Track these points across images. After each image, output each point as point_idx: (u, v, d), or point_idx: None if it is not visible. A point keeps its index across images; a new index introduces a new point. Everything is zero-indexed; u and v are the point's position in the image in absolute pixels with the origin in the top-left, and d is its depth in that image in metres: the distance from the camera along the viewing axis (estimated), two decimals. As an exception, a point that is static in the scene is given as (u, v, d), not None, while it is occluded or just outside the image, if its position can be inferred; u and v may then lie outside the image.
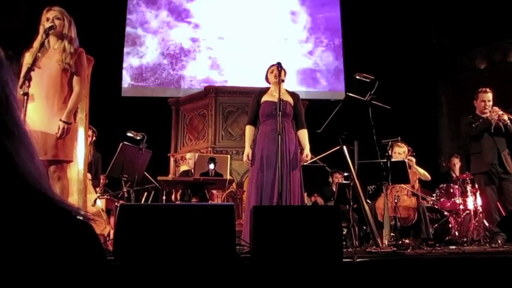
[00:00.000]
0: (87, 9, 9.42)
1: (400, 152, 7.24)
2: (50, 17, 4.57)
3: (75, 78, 4.62)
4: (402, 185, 6.99)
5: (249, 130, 6.15)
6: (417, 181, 7.40)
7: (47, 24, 4.50)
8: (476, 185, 7.35)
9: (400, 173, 6.41)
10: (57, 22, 4.57)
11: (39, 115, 4.36)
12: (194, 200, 7.71)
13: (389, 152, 6.81)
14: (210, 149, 10.10)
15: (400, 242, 6.07)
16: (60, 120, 4.37)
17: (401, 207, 6.87)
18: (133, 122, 8.38)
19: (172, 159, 10.81)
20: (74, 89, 4.61)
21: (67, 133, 4.41)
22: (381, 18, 11.78)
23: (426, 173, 7.56)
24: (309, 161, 6.85)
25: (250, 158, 5.94)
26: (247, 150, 6.00)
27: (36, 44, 4.50)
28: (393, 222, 6.56)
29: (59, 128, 4.35)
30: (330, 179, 9.23)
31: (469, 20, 11.19)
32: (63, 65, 4.52)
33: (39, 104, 4.40)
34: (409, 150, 7.40)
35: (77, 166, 5.06)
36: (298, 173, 5.98)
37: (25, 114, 4.01)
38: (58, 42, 4.62)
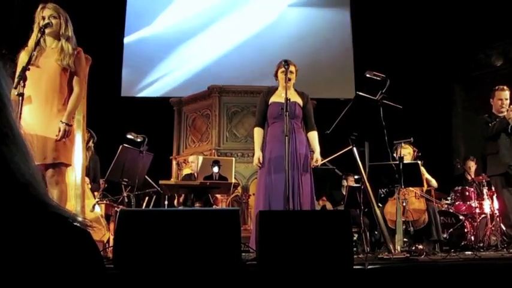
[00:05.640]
0: (83, 4, 9.44)
1: (405, 153, 7.21)
2: (45, 15, 4.56)
3: (75, 78, 4.62)
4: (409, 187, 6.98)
5: (257, 132, 6.13)
6: (425, 181, 7.38)
7: (43, 23, 4.50)
8: (493, 188, 7.32)
9: (413, 175, 6.39)
10: (53, 21, 4.56)
11: (37, 117, 4.36)
12: (198, 204, 7.72)
13: (395, 154, 6.81)
14: (214, 151, 10.10)
15: (414, 248, 6.06)
16: (61, 121, 4.37)
17: (411, 210, 6.87)
18: (134, 124, 8.38)
19: (174, 162, 10.82)
20: (74, 89, 4.61)
21: (68, 135, 4.41)
22: (393, 15, 11.76)
23: (433, 180, 7.57)
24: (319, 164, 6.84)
25: (261, 161, 5.93)
26: (258, 153, 5.98)
27: (31, 43, 4.50)
28: (404, 226, 6.55)
29: (59, 130, 4.34)
30: (345, 182, 9.20)
31: (484, 15, 11.15)
32: (63, 65, 4.52)
33: (37, 106, 4.40)
34: (414, 151, 7.39)
35: (75, 170, 5.05)
36: (309, 176, 5.97)
37: (20, 116, 4.01)
38: (55, 41, 4.62)
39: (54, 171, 4.42)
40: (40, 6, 4.61)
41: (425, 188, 7.41)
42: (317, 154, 6.09)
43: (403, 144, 7.27)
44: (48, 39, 4.61)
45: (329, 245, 3.77)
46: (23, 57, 4.43)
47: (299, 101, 6.07)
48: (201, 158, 8.78)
